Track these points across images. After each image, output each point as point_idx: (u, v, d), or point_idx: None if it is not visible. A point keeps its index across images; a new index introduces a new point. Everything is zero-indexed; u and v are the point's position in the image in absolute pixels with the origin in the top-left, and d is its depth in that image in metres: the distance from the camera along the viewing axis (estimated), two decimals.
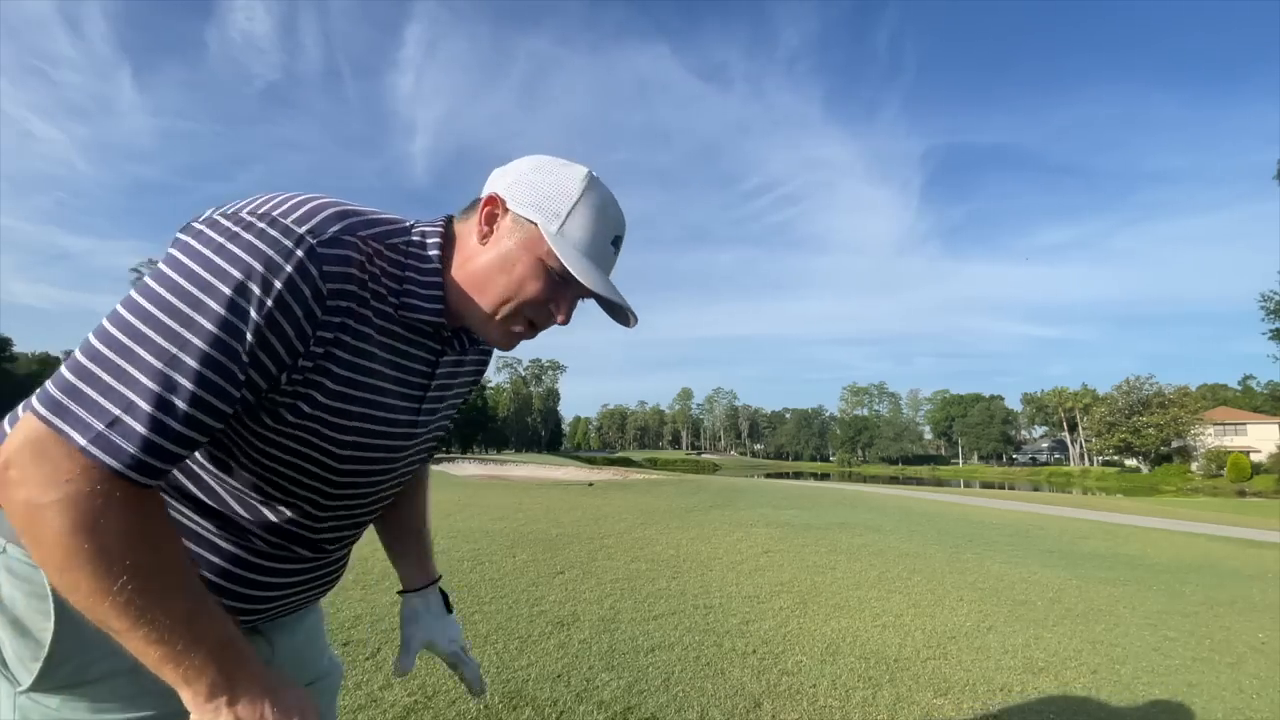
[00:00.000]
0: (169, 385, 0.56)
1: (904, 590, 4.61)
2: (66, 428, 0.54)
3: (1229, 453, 55.06)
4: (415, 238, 0.75)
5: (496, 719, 2.30)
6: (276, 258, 0.61)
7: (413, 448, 0.83)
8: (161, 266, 0.62)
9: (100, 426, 0.55)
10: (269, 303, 0.60)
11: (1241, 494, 37.18)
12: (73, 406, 0.55)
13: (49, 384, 0.57)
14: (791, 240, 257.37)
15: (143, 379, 0.56)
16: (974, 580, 5.09)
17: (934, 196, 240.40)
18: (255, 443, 0.69)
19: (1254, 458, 53.47)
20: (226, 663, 0.61)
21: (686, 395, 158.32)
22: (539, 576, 4.47)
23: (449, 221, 0.79)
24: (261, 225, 0.62)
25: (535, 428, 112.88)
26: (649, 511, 8.87)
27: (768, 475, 45.31)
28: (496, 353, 0.96)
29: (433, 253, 0.75)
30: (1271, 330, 33.42)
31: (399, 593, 1.07)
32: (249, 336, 0.60)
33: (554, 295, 0.75)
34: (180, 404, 0.57)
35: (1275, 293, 32.78)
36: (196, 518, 0.72)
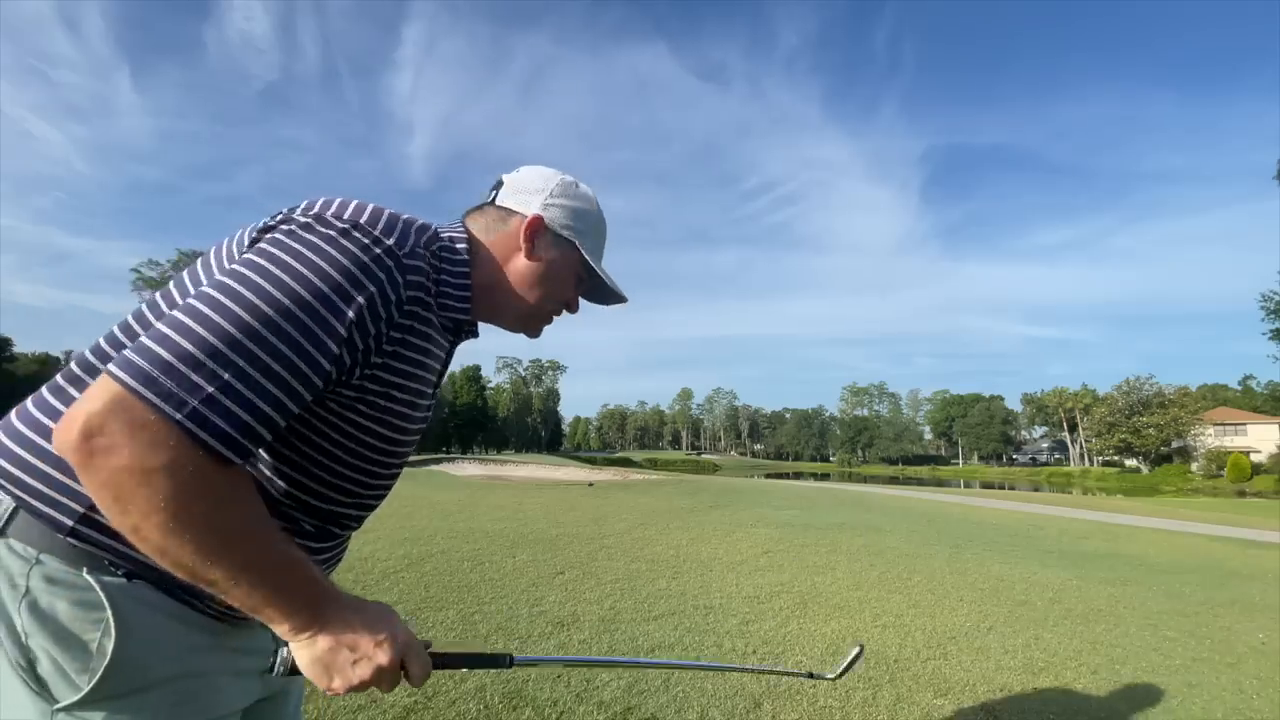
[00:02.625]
0: (261, 369, 0.61)
1: (904, 591, 4.61)
2: (160, 401, 0.57)
3: (1229, 453, 55.05)
4: (445, 241, 0.83)
5: (496, 719, 2.30)
6: (372, 266, 0.69)
7: (419, 430, 0.91)
8: (256, 256, 0.67)
9: (194, 402, 0.58)
10: (362, 304, 0.68)
11: (1241, 494, 37.16)
12: (165, 380, 0.57)
13: (136, 357, 0.58)
14: (791, 240, 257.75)
15: (238, 360, 0.60)
16: (974, 581, 5.09)
17: (933, 196, 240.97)
18: (311, 434, 0.75)
19: (1254, 458, 53.45)
20: (314, 597, 0.68)
21: (686, 395, 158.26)
22: (539, 577, 4.47)
23: (465, 226, 0.90)
24: (356, 234, 0.70)
25: (535, 428, 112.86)
26: (649, 512, 8.87)
27: (768, 475, 45.28)
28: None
29: (461, 255, 0.85)
30: (1271, 330, 33.37)
31: None
32: (341, 332, 0.66)
33: (575, 295, 0.97)
34: (271, 387, 0.62)
35: (1275, 293, 32.74)
36: None
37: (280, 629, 0.68)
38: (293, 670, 0.71)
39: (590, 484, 15.57)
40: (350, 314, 0.67)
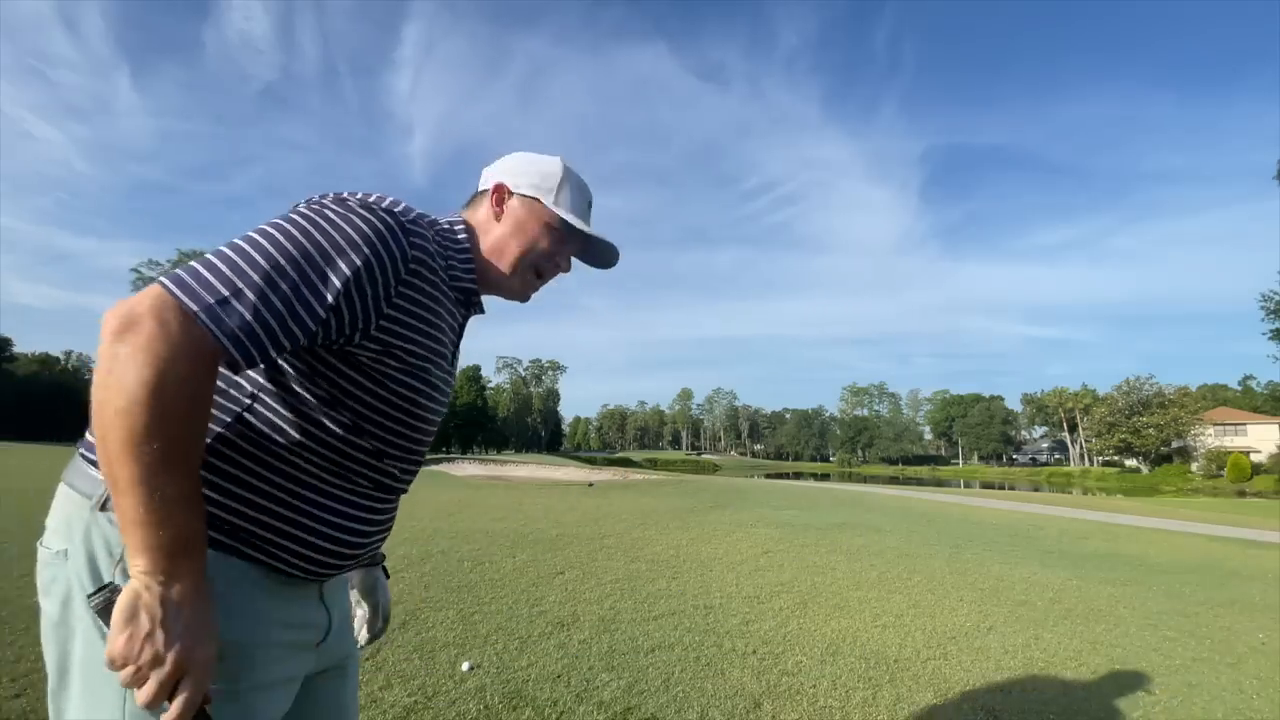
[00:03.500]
0: (272, 286, 0.71)
1: (904, 590, 4.61)
2: (184, 297, 0.67)
3: (1229, 453, 55.01)
4: (444, 226, 0.96)
5: (496, 719, 2.30)
6: (379, 225, 0.80)
7: (448, 396, 1.00)
8: (280, 219, 0.77)
9: (211, 300, 0.68)
10: (368, 253, 0.78)
11: (1241, 494, 37.14)
12: (193, 283, 0.68)
13: (179, 269, 0.70)
14: (791, 240, 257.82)
15: (253, 275, 0.70)
16: (974, 580, 5.09)
17: (933, 196, 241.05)
18: (356, 389, 0.83)
19: (1254, 458, 53.40)
20: (180, 554, 0.67)
21: (686, 395, 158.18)
22: (539, 577, 4.47)
23: (461, 216, 1.02)
24: (365, 207, 0.81)
25: (535, 428, 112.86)
26: (649, 512, 8.87)
27: (768, 476, 45.28)
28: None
29: (461, 235, 0.97)
30: (1271, 330, 33.38)
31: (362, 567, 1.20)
32: (346, 273, 0.76)
33: (557, 249, 1.01)
34: (277, 303, 0.71)
35: (1275, 293, 32.75)
36: (320, 473, 0.83)
37: (133, 559, 0.67)
38: (105, 607, 0.67)
39: (590, 484, 15.58)
40: (358, 262, 0.76)
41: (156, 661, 0.66)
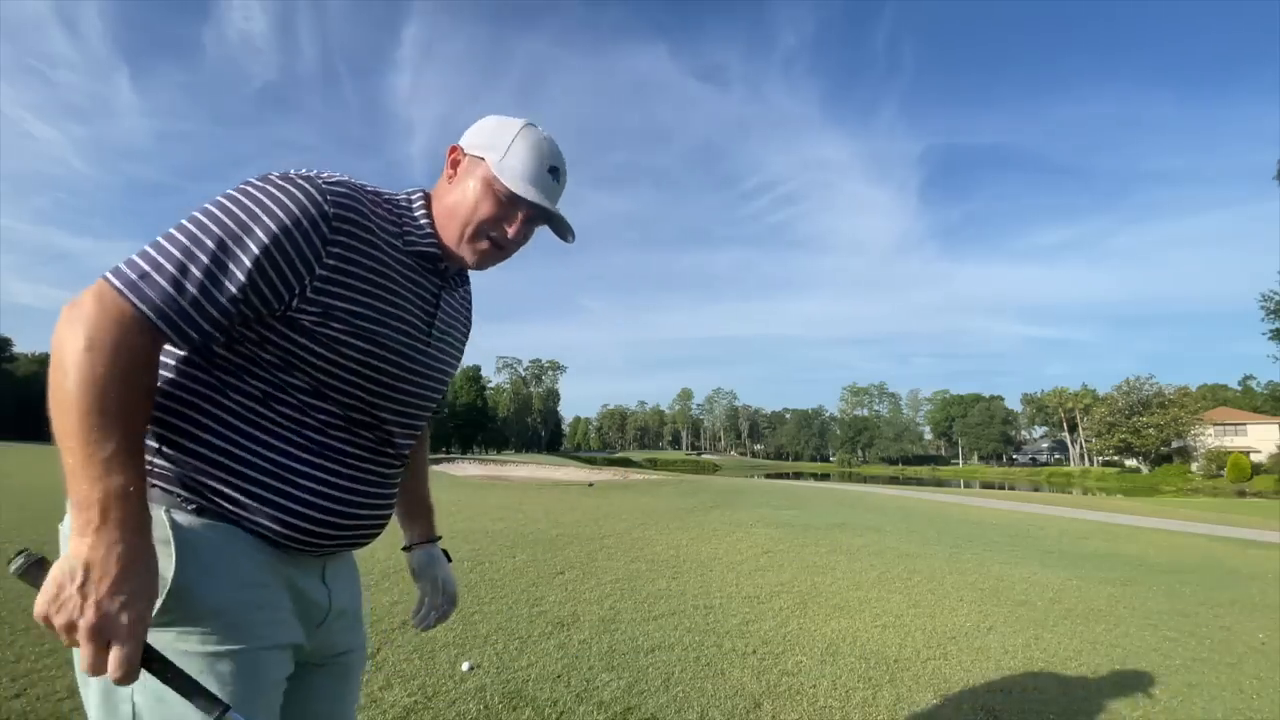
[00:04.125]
0: (191, 258, 0.76)
1: (904, 591, 4.61)
2: (112, 276, 0.74)
3: (1229, 453, 55.00)
4: (401, 198, 0.97)
5: (496, 719, 2.30)
6: (295, 191, 0.81)
7: (434, 366, 1.00)
8: (214, 196, 0.82)
9: (134, 276, 0.74)
10: (283, 217, 0.79)
11: (1241, 494, 37.12)
12: (122, 266, 0.75)
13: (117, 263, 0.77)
14: (791, 240, 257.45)
15: (173, 250, 0.76)
16: (974, 580, 5.09)
17: (932, 197, 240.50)
18: (306, 355, 0.84)
19: (1254, 458, 53.39)
20: (110, 508, 0.69)
21: (686, 395, 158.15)
22: (539, 577, 4.47)
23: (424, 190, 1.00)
24: (285, 178, 0.83)
25: (535, 428, 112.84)
26: (649, 512, 8.87)
27: (768, 476, 45.27)
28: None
29: (417, 201, 0.97)
30: (1271, 330, 33.37)
31: (409, 547, 1.23)
32: (263, 239, 0.78)
33: (505, 214, 0.94)
34: (196, 272, 0.76)
35: (1275, 293, 32.74)
36: (294, 438, 0.85)
37: (71, 515, 0.72)
38: (30, 568, 0.69)
39: (590, 484, 15.58)
40: (274, 227, 0.79)
41: (70, 626, 0.67)
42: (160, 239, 0.77)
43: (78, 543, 0.69)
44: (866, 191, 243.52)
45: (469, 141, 0.96)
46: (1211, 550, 7.84)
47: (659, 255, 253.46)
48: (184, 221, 0.79)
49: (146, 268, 0.75)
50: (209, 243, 0.77)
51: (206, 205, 0.80)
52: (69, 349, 0.70)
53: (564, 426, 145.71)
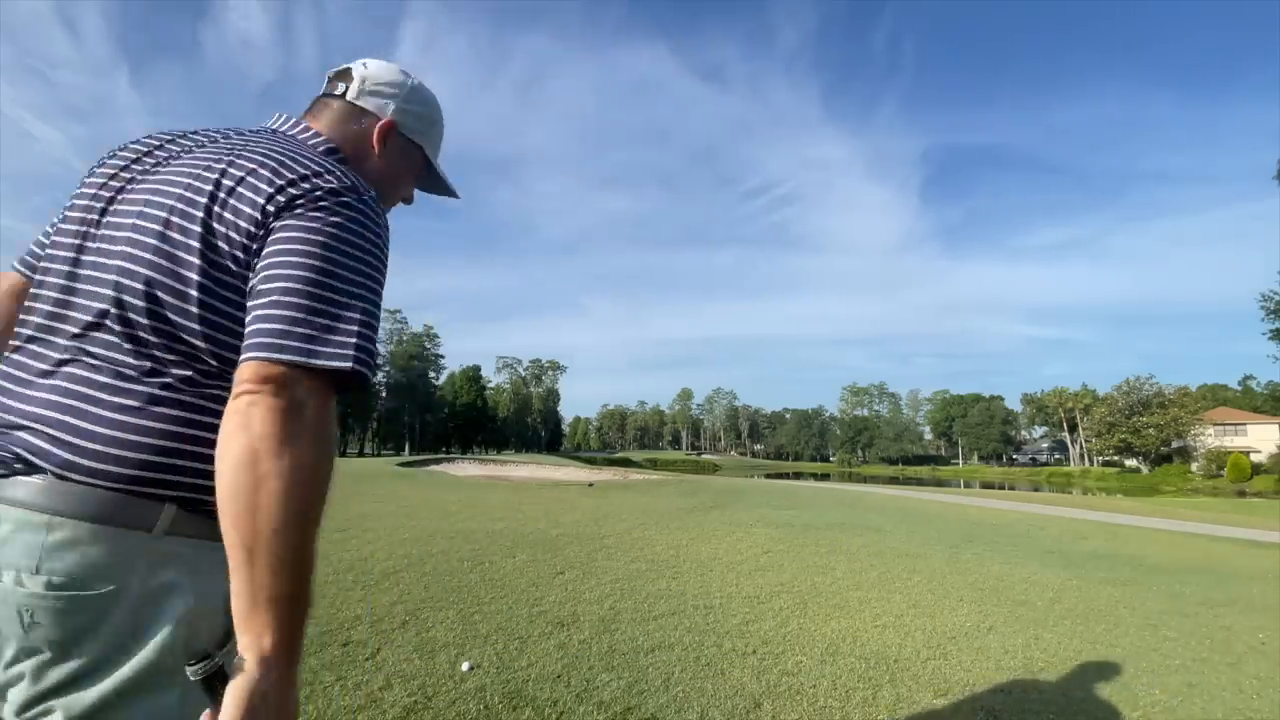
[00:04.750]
0: (368, 312, 0.74)
1: (904, 591, 4.61)
2: (299, 356, 0.67)
3: (1229, 453, 55.02)
4: (310, 142, 0.90)
5: (496, 719, 2.30)
6: (384, 222, 0.83)
7: None
8: (333, 228, 0.74)
9: (362, 356, 0.70)
10: (384, 253, 0.82)
11: (1241, 494, 37.15)
12: (338, 349, 0.69)
13: (274, 326, 0.67)
14: (791, 240, 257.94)
15: (358, 305, 0.73)
16: (974, 580, 5.09)
17: (932, 196, 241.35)
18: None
19: (1254, 458, 53.41)
20: (301, 636, 0.62)
21: (686, 395, 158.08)
22: (539, 577, 4.47)
23: (307, 122, 0.94)
24: (377, 209, 0.82)
25: (535, 428, 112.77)
26: (649, 512, 8.87)
27: (768, 476, 45.22)
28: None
29: (323, 147, 0.90)
30: (1271, 330, 33.41)
31: None
32: (382, 270, 0.80)
33: (411, 191, 1.06)
34: (375, 323, 0.75)
35: (1275, 293, 32.79)
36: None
37: (256, 636, 0.59)
38: (212, 677, 0.61)
39: (590, 484, 15.57)
40: (385, 259, 0.82)
41: None
42: (336, 300, 0.71)
43: (267, 668, 0.59)
44: (867, 191, 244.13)
45: (407, 124, 0.99)
46: (1211, 550, 7.84)
47: (659, 255, 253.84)
48: (340, 272, 0.73)
49: (361, 342, 0.71)
50: (373, 297, 0.76)
51: (345, 249, 0.74)
52: (311, 457, 0.63)
53: (564, 426, 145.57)
